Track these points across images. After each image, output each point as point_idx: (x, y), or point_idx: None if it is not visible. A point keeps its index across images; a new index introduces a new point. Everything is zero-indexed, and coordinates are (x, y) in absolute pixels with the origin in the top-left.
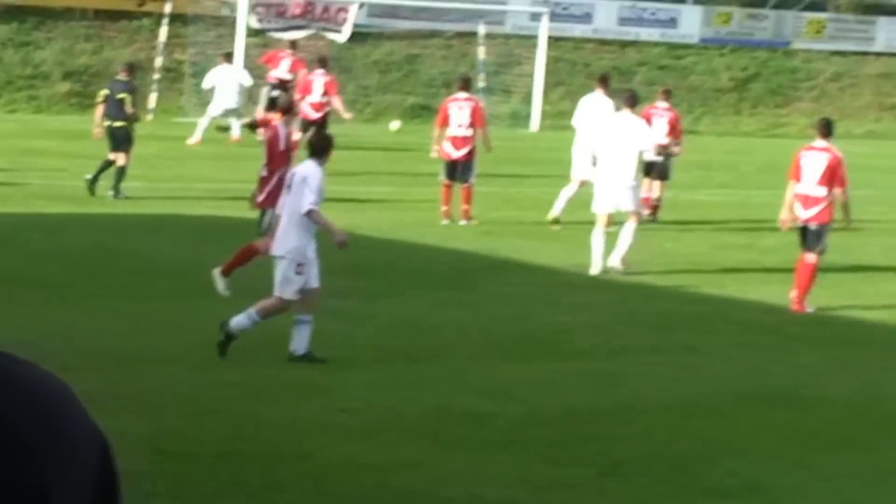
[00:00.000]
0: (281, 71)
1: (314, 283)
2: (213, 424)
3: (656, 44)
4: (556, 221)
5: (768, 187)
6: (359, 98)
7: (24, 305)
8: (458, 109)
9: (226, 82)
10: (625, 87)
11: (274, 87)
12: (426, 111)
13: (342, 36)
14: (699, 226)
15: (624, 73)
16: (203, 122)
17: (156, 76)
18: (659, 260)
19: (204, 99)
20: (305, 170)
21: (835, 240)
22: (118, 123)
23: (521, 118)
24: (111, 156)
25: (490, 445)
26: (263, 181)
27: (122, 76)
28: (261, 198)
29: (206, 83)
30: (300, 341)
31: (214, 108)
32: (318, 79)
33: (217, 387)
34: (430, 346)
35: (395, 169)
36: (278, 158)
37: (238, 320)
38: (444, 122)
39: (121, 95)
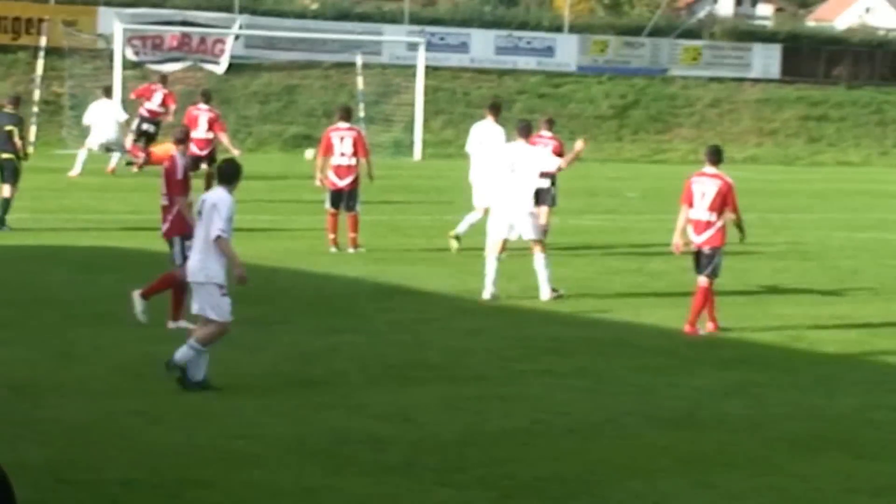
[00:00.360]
0: (153, 104)
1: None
2: (114, 452)
3: (534, 72)
4: (456, 238)
5: (653, 212)
6: (240, 128)
7: None
8: (341, 139)
9: (104, 116)
10: (520, 118)
11: (144, 119)
12: (307, 141)
13: (220, 67)
14: (587, 251)
15: (504, 102)
16: (82, 155)
17: (35, 109)
18: (554, 285)
19: (84, 131)
20: (216, 196)
21: (724, 262)
22: (5, 155)
23: (403, 147)
24: (6, 192)
25: (391, 469)
26: (165, 210)
27: (7, 108)
28: (165, 227)
29: (86, 118)
30: (195, 367)
31: (92, 141)
32: (203, 114)
33: (115, 415)
34: (325, 373)
35: (280, 198)
36: (177, 187)
37: (182, 353)
38: (327, 152)
39: (8, 128)
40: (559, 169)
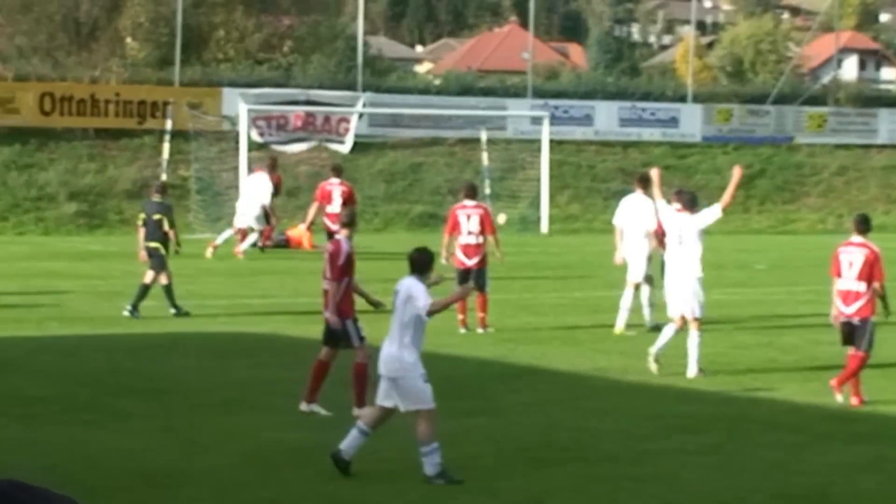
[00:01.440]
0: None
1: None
2: None
3: (658, 143)
4: (624, 330)
5: (782, 284)
6: (366, 208)
7: (42, 428)
8: (467, 217)
9: (252, 195)
10: (685, 190)
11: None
12: (433, 219)
13: (345, 147)
14: (717, 325)
15: (629, 175)
16: (227, 233)
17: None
18: (680, 361)
19: (212, 214)
20: (408, 288)
21: None
22: (153, 244)
23: (529, 223)
24: (148, 279)
25: None
26: (328, 294)
27: (155, 197)
28: (327, 313)
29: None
30: (350, 445)
31: (241, 221)
32: (336, 188)
33: None
34: (457, 456)
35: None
36: (340, 271)
37: (430, 462)
38: (454, 230)
39: (156, 216)
40: (724, 209)
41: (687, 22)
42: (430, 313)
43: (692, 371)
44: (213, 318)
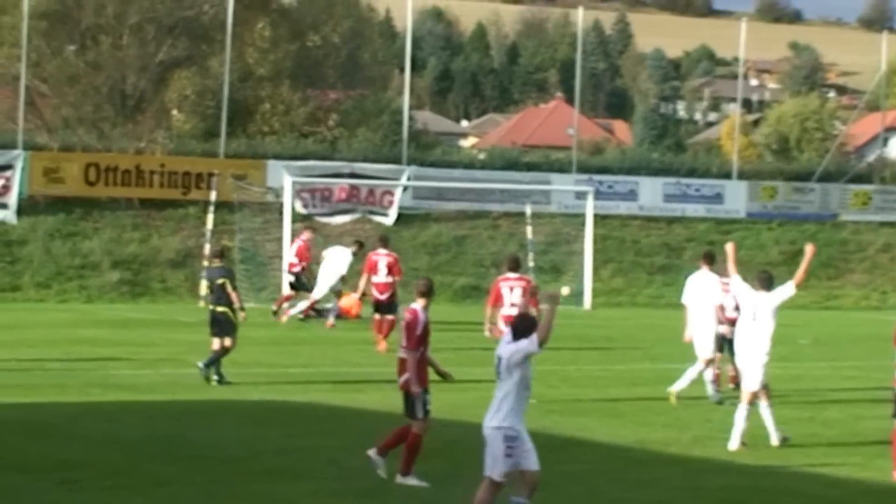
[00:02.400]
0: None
1: (534, 465)
2: None
3: (703, 219)
4: (674, 396)
5: (826, 359)
6: (410, 280)
7: (82, 493)
8: (510, 289)
9: (333, 265)
10: (762, 270)
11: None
12: (476, 291)
13: (389, 219)
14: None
15: (673, 250)
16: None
17: (205, 263)
18: (723, 434)
19: (256, 284)
20: (511, 355)
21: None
22: (220, 308)
23: (573, 297)
24: (215, 342)
25: None
26: (402, 363)
27: (215, 262)
28: (403, 380)
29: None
30: None
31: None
32: (383, 258)
33: None
34: None
35: (450, 349)
36: (416, 341)
37: None
38: (497, 302)
39: (220, 281)
40: (798, 286)
41: (733, 100)
42: (542, 342)
43: (775, 439)
44: (253, 387)
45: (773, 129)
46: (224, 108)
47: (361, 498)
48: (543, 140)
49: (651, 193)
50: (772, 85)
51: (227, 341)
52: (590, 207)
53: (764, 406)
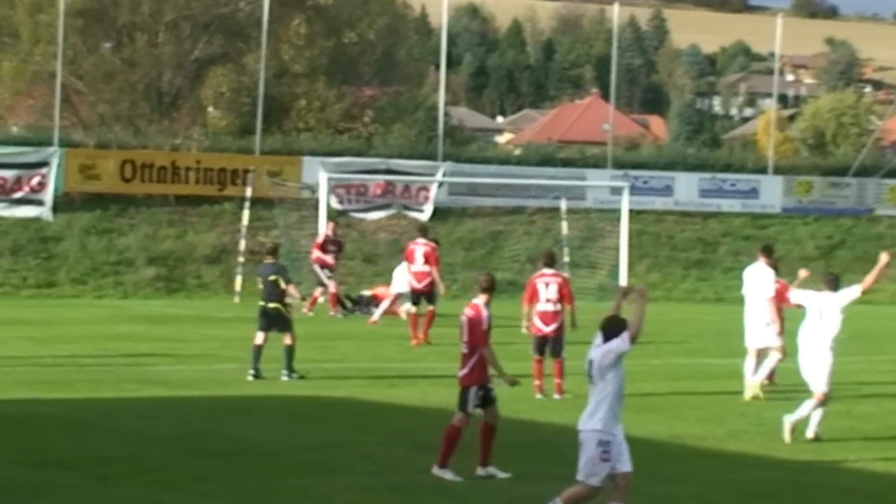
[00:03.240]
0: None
1: (626, 466)
2: None
3: (738, 214)
4: (756, 398)
5: (862, 353)
6: (445, 275)
7: (118, 487)
8: (546, 286)
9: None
10: (829, 272)
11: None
12: (512, 287)
13: (424, 214)
14: (795, 394)
15: (709, 245)
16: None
17: (240, 259)
18: (758, 429)
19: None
20: (602, 357)
21: None
22: (272, 305)
23: (608, 292)
24: (259, 337)
25: None
26: (465, 358)
27: (268, 259)
28: (462, 373)
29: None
30: None
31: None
32: (419, 248)
33: None
34: None
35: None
36: (479, 338)
37: None
38: (533, 298)
39: (272, 277)
40: (864, 291)
41: (769, 95)
42: (634, 339)
43: (811, 432)
44: (290, 382)
45: (809, 125)
46: (260, 105)
47: (395, 493)
48: (579, 136)
49: (686, 189)
50: (808, 80)
51: (287, 339)
52: (625, 203)
53: (818, 404)
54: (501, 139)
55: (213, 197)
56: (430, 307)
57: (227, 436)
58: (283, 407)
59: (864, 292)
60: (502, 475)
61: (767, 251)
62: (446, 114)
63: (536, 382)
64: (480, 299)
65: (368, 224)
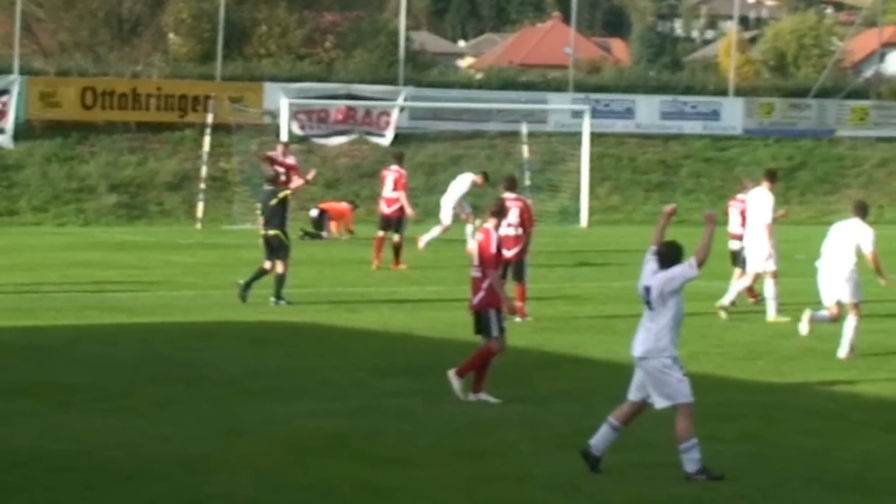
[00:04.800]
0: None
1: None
2: None
3: (700, 137)
4: (724, 308)
5: None
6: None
7: (81, 414)
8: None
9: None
10: (858, 199)
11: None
12: (474, 210)
13: (385, 140)
14: (757, 315)
15: (670, 167)
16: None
17: (202, 185)
18: (718, 350)
19: (253, 205)
20: (664, 283)
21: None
22: (272, 232)
23: (569, 214)
24: (267, 265)
25: None
26: (476, 283)
27: (267, 186)
28: (476, 300)
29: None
30: (601, 440)
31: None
32: (390, 174)
33: (283, 490)
34: (494, 443)
35: (446, 269)
36: (490, 261)
37: (689, 458)
38: None
39: (273, 202)
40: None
41: (730, 17)
42: (701, 264)
43: (844, 352)
44: (252, 308)
45: (771, 46)
46: (220, 31)
47: (357, 417)
48: (540, 60)
49: (648, 111)
50: (769, 2)
51: (280, 266)
52: (586, 126)
53: (851, 320)
54: (463, 63)
55: (175, 124)
56: (397, 236)
57: (190, 361)
58: (245, 333)
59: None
60: (494, 401)
61: (771, 176)
62: (408, 39)
63: None
64: (491, 223)
65: (330, 149)
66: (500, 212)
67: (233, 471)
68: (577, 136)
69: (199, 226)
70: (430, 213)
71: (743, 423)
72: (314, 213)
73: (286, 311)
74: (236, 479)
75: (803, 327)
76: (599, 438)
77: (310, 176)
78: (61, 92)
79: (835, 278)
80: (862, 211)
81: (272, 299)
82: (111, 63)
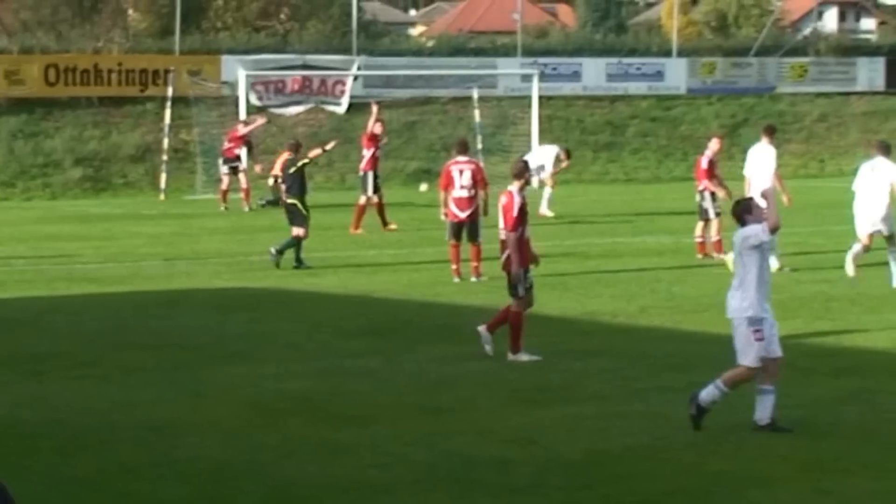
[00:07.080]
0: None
1: (777, 351)
2: (250, 487)
3: (645, 97)
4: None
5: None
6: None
7: (52, 383)
8: (460, 172)
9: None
10: (879, 139)
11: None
12: (428, 175)
13: (341, 108)
14: (703, 269)
15: (617, 127)
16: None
17: (164, 157)
18: (668, 303)
19: (214, 175)
20: (743, 240)
21: (838, 273)
22: (290, 200)
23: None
24: (296, 231)
25: (518, 491)
26: (503, 245)
27: (287, 155)
28: (502, 260)
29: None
30: (763, 410)
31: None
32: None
33: (249, 450)
34: (453, 400)
35: (403, 232)
36: (514, 222)
37: (708, 392)
38: (448, 185)
39: (292, 170)
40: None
41: None
42: (774, 229)
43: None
44: (216, 275)
45: (712, 7)
46: (178, 6)
47: (320, 378)
48: (489, 26)
49: (594, 74)
50: None
51: (300, 231)
52: (535, 89)
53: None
54: (415, 32)
55: (136, 97)
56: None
57: (157, 329)
58: (209, 299)
59: None
60: (490, 350)
61: (770, 131)
62: (360, 9)
63: (454, 266)
64: (514, 185)
65: (287, 118)
66: (520, 173)
67: (201, 433)
68: (526, 99)
69: (162, 196)
70: (386, 179)
71: (694, 374)
72: (271, 181)
73: (249, 278)
74: (204, 441)
75: (850, 269)
76: (762, 408)
77: (329, 146)
78: (25, 69)
79: (873, 213)
80: (885, 149)
81: (272, 248)
82: (73, 40)
